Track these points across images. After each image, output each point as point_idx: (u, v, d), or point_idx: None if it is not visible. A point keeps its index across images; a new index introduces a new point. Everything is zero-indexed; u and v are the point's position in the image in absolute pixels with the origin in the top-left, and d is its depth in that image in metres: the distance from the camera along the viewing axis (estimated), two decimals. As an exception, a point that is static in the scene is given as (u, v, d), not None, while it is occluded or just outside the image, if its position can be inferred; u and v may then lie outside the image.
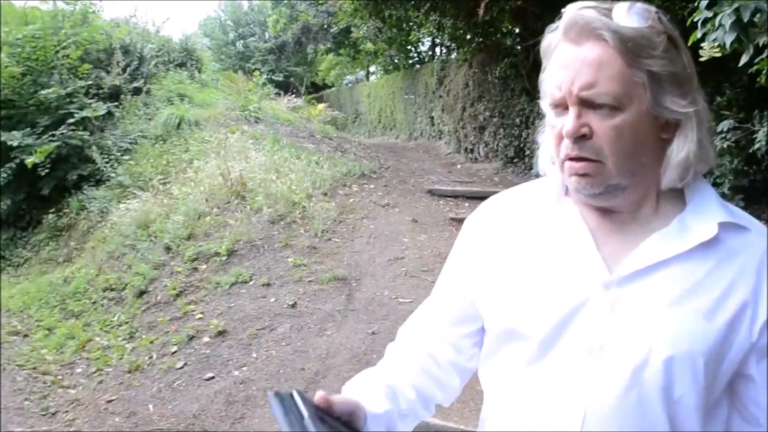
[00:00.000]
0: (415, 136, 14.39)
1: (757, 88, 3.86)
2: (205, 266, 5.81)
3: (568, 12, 0.93)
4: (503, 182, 8.35)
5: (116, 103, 9.76)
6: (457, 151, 11.33)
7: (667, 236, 0.94)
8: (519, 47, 9.45)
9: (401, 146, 13.40)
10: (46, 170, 8.23)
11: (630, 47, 0.89)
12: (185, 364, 4.54)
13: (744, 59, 2.90)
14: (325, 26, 19.14)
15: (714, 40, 2.86)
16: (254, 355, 4.50)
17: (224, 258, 5.80)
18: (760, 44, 2.79)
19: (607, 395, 0.90)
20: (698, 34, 2.96)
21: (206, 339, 4.78)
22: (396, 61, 16.71)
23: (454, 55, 13.36)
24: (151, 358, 4.76)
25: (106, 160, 8.57)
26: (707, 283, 0.91)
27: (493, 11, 8.23)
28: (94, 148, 8.64)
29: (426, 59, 16.56)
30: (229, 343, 4.69)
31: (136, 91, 10.40)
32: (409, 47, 16.49)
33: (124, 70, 10.26)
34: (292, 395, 0.83)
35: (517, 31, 10.16)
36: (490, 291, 1.05)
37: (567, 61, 0.93)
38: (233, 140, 8.63)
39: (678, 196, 0.99)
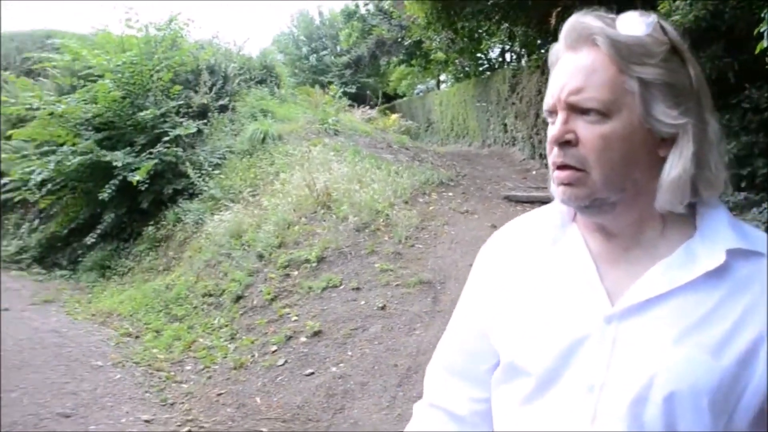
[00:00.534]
0: (488, 143, 14.45)
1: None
2: (296, 272, 6.13)
3: (570, 20, 0.93)
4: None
5: (204, 121, 10.34)
6: (532, 157, 11.35)
7: (671, 265, 0.88)
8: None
9: (475, 154, 13.50)
10: (145, 185, 8.78)
11: (624, 54, 0.86)
12: (286, 361, 4.86)
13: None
14: (399, 39, 19.41)
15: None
16: (349, 353, 4.78)
17: (314, 264, 6.10)
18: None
19: None
20: (764, 43, 3.04)
21: (303, 339, 5.09)
22: (466, 69, 16.83)
23: (524, 61, 13.41)
24: (253, 356, 5.11)
25: (198, 174, 9.08)
26: (715, 316, 0.85)
27: (565, 18, 8.25)
28: (187, 163, 9.20)
29: (496, 66, 16.65)
30: (325, 342, 4.97)
31: (222, 109, 10.96)
32: (479, 55, 16.63)
33: (210, 89, 10.87)
34: None
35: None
36: (498, 324, 1.02)
37: (563, 67, 0.92)
38: (316, 152, 8.97)
39: (688, 221, 0.92)
